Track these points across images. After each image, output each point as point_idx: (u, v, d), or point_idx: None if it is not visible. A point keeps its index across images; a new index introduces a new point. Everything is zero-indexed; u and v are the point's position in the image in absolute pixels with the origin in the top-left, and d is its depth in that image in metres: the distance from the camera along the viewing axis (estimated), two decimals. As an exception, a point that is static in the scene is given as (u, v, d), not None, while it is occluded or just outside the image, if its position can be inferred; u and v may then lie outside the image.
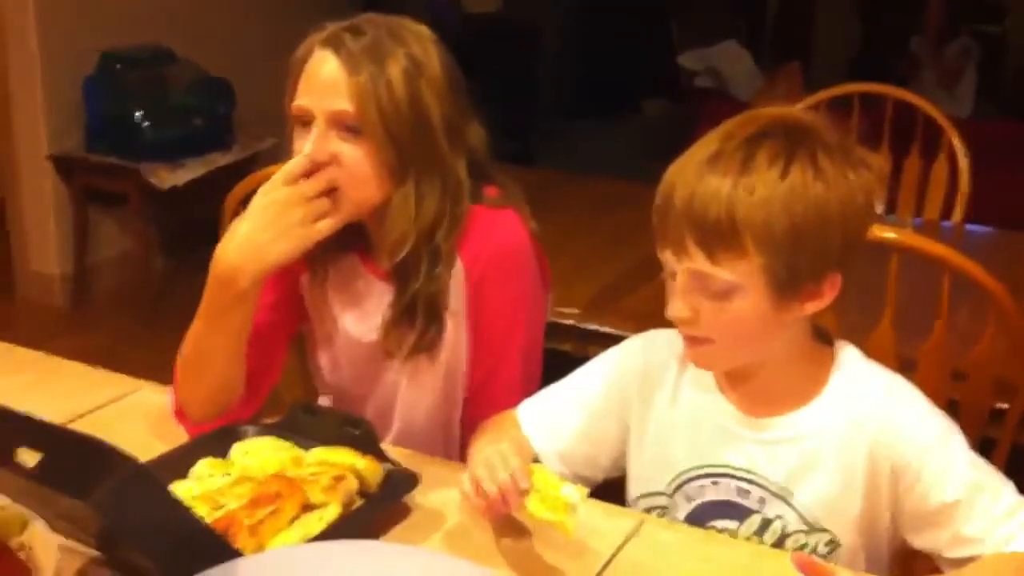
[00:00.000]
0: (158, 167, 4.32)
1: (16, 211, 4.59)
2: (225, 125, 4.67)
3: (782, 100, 3.26)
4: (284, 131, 1.61)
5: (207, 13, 4.91)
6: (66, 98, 4.41)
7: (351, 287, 1.68)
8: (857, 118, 3.14)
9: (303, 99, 1.54)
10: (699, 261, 1.26)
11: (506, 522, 1.35)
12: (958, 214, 2.95)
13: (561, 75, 7.40)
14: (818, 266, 1.28)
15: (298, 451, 1.43)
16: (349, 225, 1.61)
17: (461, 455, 1.57)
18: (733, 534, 1.41)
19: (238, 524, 1.24)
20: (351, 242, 1.66)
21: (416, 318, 1.59)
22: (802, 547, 1.38)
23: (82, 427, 1.58)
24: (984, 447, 1.80)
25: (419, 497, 1.39)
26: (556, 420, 1.51)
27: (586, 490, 1.26)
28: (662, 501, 1.46)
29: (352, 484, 1.34)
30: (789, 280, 1.26)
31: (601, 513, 1.40)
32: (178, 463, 1.40)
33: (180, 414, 1.58)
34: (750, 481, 1.39)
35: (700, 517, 1.43)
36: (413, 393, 1.66)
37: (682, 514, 1.44)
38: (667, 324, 1.39)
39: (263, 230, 1.48)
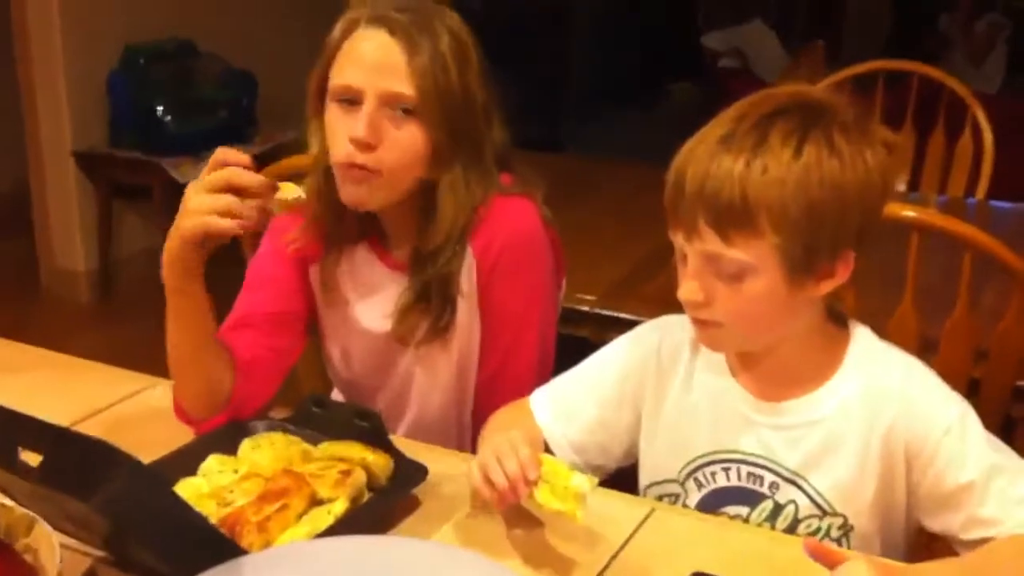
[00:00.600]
0: (181, 161, 4.34)
1: (41, 207, 4.62)
2: (248, 117, 4.68)
3: (805, 80, 3.23)
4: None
5: (229, 5, 4.92)
6: (90, 93, 4.44)
7: (364, 277, 1.67)
8: (881, 95, 3.11)
9: (351, 78, 1.50)
10: (711, 242, 1.24)
11: (517, 513, 1.33)
12: (982, 191, 2.91)
13: (589, 60, 7.37)
14: (833, 246, 1.25)
15: (307, 445, 1.42)
16: (367, 213, 1.60)
17: (473, 445, 1.56)
18: (745, 520, 1.40)
19: (245, 521, 1.23)
20: (367, 231, 1.65)
21: (430, 303, 1.57)
22: (815, 532, 1.37)
23: (96, 424, 1.59)
24: (1007, 426, 1.79)
25: (429, 489, 1.38)
26: (569, 409, 1.50)
27: (595, 479, 1.24)
28: (673, 488, 1.45)
29: (360, 478, 1.33)
30: (804, 260, 1.24)
31: (612, 501, 1.39)
32: (188, 459, 1.40)
33: (180, 411, 1.57)
34: (762, 466, 1.38)
35: (711, 504, 1.42)
36: (426, 382, 1.65)
37: (693, 501, 1.43)
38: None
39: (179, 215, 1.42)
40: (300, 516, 1.27)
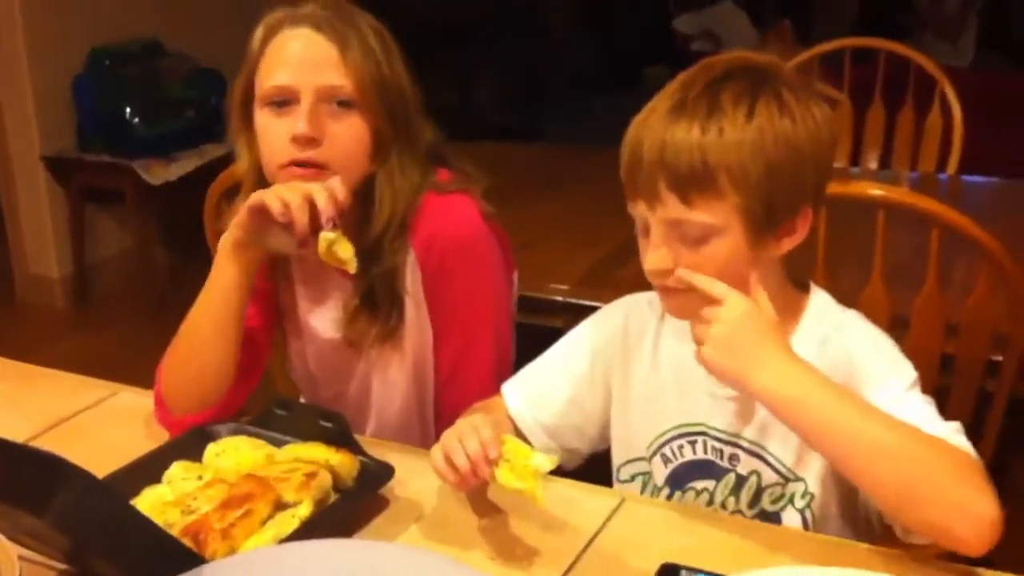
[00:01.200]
0: (152, 162, 4.32)
1: (12, 214, 4.58)
2: (217, 116, 4.64)
3: (774, 59, 3.21)
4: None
5: (194, 4, 4.87)
6: (56, 97, 4.41)
7: (316, 283, 1.65)
8: (849, 73, 3.11)
9: (283, 78, 1.49)
10: (673, 208, 1.25)
11: (486, 507, 1.33)
12: (953, 166, 2.91)
13: (564, 49, 7.34)
14: (793, 201, 1.28)
15: (271, 449, 1.40)
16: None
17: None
18: (711, 494, 1.40)
19: (210, 528, 1.21)
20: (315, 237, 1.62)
21: (377, 305, 1.56)
22: (778, 499, 1.37)
23: (62, 433, 1.58)
24: (981, 400, 1.78)
25: (396, 488, 1.36)
26: (542, 393, 1.50)
27: (556, 458, 1.24)
28: (644, 467, 1.45)
29: (325, 480, 1.31)
30: (766, 218, 1.26)
31: (582, 492, 1.38)
32: (152, 467, 1.38)
33: (161, 406, 1.55)
34: (724, 440, 1.39)
35: (679, 479, 1.42)
36: (384, 385, 1.64)
37: (661, 477, 1.43)
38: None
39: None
40: (265, 521, 1.25)
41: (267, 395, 1.61)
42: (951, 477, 1.15)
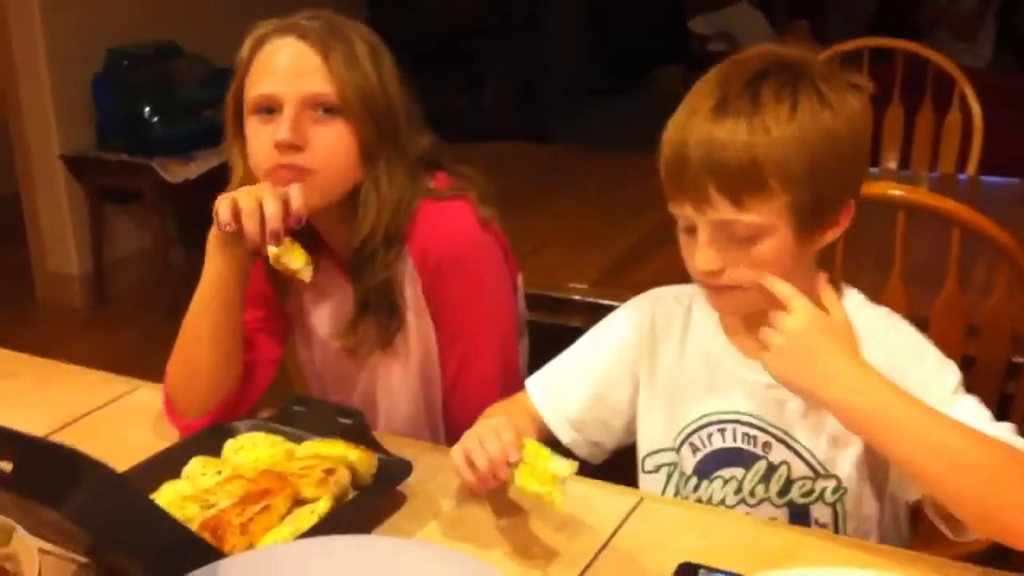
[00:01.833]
0: (170, 161, 4.33)
1: (32, 213, 4.60)
2: (235, 116, 4.65)
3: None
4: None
5: (211, 5, 4.88)
6: (75, 97, 4.43)
7: (322, 289, 1.65)
8: (867, 73, 3.09)
9: (267, 86, 1.49)
10: (724, 209, 1.25)
11: (503, 505, 1.33)
12: (973, 166, 2.89)
13: (575, 48, 7.34)
14: (837, 194, 1.28)
15: (290, 445, 1.41)
16: (309, 229, 1.57)
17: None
18: (739, 482, 1.40)
19: (228, 523, 1.22)
20: (319, 244, 1.62)
21: (373, 314, 1.56)
22: (808, 493, 1.37)
23: (80, 428, 1.58)
24: (1002, 402, 1.77)
25: (414, 485, 1.36)
26: (567, 387, 1.50)
27: (575, 464, 1.23)
28: (670, 457, 1.45)
29: (344, 476, 1.31)
30: (813, 213, 1.26)
31: (600, 492, 1.38)
32: (171, 462, 1.39)
33: (169, 407, 1.55)
34: (756, 426, 1.38)
35: (707, 467, 1.42)
36: (388, 392, 1.64)
37: (689, 467, 1.43)
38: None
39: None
40: (283, 517, 1.25)
41: (285, 392, 1.62)
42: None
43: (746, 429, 1.39)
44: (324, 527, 1.23)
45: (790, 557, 1.22)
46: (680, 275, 1.39)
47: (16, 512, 1.13)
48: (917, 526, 1.44)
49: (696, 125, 1.26)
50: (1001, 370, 1.79)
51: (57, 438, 1.51)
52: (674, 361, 1.45)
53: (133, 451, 1.41)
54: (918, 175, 2.97)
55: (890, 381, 1.20)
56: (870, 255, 1.91)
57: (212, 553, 1.12)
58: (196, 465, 1.37)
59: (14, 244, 4.72)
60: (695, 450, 1.43)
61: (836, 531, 1.36)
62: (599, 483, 1.40)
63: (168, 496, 1.30)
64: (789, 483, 1.37)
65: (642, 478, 1.49)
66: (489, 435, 1.25)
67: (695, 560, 1.20)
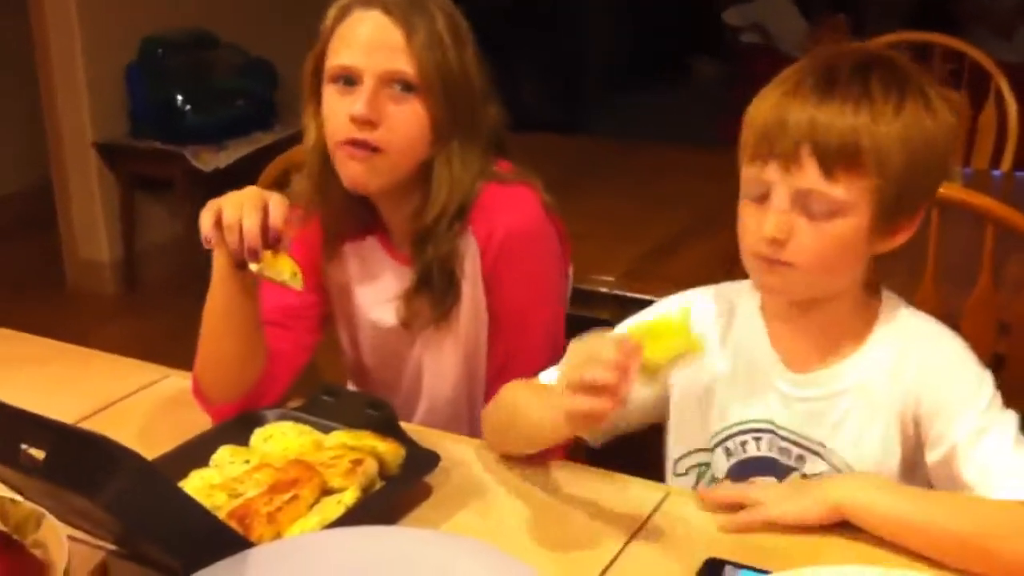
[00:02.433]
0: (202, 149, 4.36)
1: (64, 200, 4.63)
2: (268, 107, 4.67)
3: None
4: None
5: (247, -5, 4.91)
6: (109, 85, 4.45)
7: (372, 270, 1.66)
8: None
9: (348, 58, 1.50)
10: (812, 176, 1.23)
11: (530, 496, 1.33)
12: (1007, 162, 2.87)
13: (609, 39, 7.31)
14: (918, 198, 1.30)
15: (318, 435, 1.41)
16: (367, 205, 1.59)
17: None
18: None
19: (256, 512, 1.22)
20: (370, 224, 1.63)
21: (432, 286, 1.56)
22: None
23: (112, 414, 1.59)
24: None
25: (441, 476, 1.36)
26: None
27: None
28: (704, 458, 1.44)
29: (372, 467, 1.31)
30: (895, 208, 1.26)
31: (627, 485, 1.38)
32: (200, 451, 1.39)
33: (198, 392, 1.55)
34: (791, 440, 1.37)
35: (740, 473, 1.41)
36: (436, 369, 1.64)
37: (722, 470, 1.42)
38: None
39: None
40: (311, 506, 1.25)
41: (313, 382, 1.62)
42: None
43: (781, 442, 1.38)
44: (351, 517, 1.23)
45: (815, 554, 1.21)
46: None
47: (45, 499, 1.13)
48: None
49: (796, 104, 1.25)
50: (1033, 369, 1.77)
51: (88, 424, 1.52)
52: (713, 364, 1.43)
53: (163, 438, 1.42)
54: (952, 171, 2.95)
55: (890, 481, 1.29)
56: (903, 250, 1.89)
57: (240, 542, 1.13)
58: (224, 454, 1.38)
59: (46, 231, 4.75)
60: (729, 455, 1.42)
61: None
62: (626, 477, 1.39)
63: (196, 484, 1.31)
64: None
65: (671, 481, 1.48)
66: (598, 346, 1.16)
67: (721, 556, 1.20)
